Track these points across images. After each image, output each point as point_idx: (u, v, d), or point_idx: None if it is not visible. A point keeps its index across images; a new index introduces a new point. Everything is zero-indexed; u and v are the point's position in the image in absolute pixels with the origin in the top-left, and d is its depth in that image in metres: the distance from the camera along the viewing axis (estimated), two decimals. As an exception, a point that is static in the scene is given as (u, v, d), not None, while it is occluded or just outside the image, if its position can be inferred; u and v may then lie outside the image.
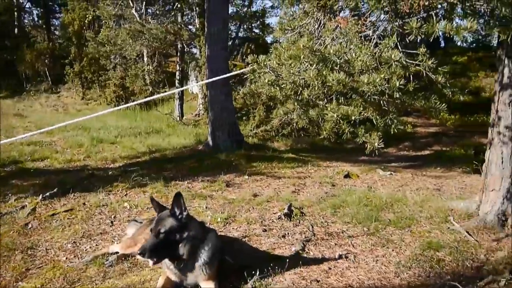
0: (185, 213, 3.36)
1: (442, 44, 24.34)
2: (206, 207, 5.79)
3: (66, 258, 4.19)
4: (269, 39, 22.85)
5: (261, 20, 23.11)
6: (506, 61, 5.24)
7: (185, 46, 17.98)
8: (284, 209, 5.59)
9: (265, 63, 3.02)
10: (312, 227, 5.17)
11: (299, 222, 5.33)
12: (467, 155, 11.11)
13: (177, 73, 17.74)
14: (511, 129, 5.25)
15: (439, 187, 7.57)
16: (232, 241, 4.62)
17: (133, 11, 17.13)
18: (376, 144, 2.56)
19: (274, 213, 5.60)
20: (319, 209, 5.84)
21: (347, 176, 8.04)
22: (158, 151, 9.90)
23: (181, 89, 16.22)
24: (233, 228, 5.12)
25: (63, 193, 6.12)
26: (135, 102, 11.16)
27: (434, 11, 2.47)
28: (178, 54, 17.70)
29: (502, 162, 5.32)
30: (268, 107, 13.56)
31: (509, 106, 5.24)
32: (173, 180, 7.05)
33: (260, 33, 23.72)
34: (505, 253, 4.54)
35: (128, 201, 5.90)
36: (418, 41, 2.67)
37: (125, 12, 17.29)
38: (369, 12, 2.60)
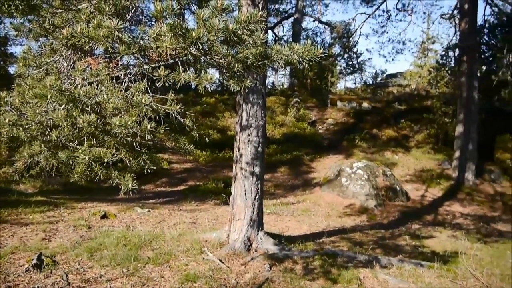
0: None
1: (193, 86, 26.36)
2: None
3: None
4: (12, 69, 20.47)
5: (2, 48, 20.67)
6: (243, 106, 6.08)
7: None
8: (32, 259, 5.03)
9: (5, 100, 2.71)
10: (67, 275, 4.79)
11: (51, 272, 4.88)
12: (218, 188, 12.19)
13: None
14: (251, 165, 6.05)
15: (194, 220, 8.05)
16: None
17: None
18: (130, 185, 2.59)
19: (21, 266, 4.98)
20: (74, 255, 5.46)
21: (104, 216, 7.81)
22: None
23: None
24: (-35, 292, 4.31)
25: None
26: None
27: (180, 60, 2.69)
28: None
29: (245, 193, 6.05)
30: (12, 146, 12.00)
31: (248, 144, 6.04)
32: None
33: (1, 62, 21.12)
34: (251, 275, 5.14)
35: None
36: (171, 84, 2.84)
37: None
38: (120, 56, 2.65)
